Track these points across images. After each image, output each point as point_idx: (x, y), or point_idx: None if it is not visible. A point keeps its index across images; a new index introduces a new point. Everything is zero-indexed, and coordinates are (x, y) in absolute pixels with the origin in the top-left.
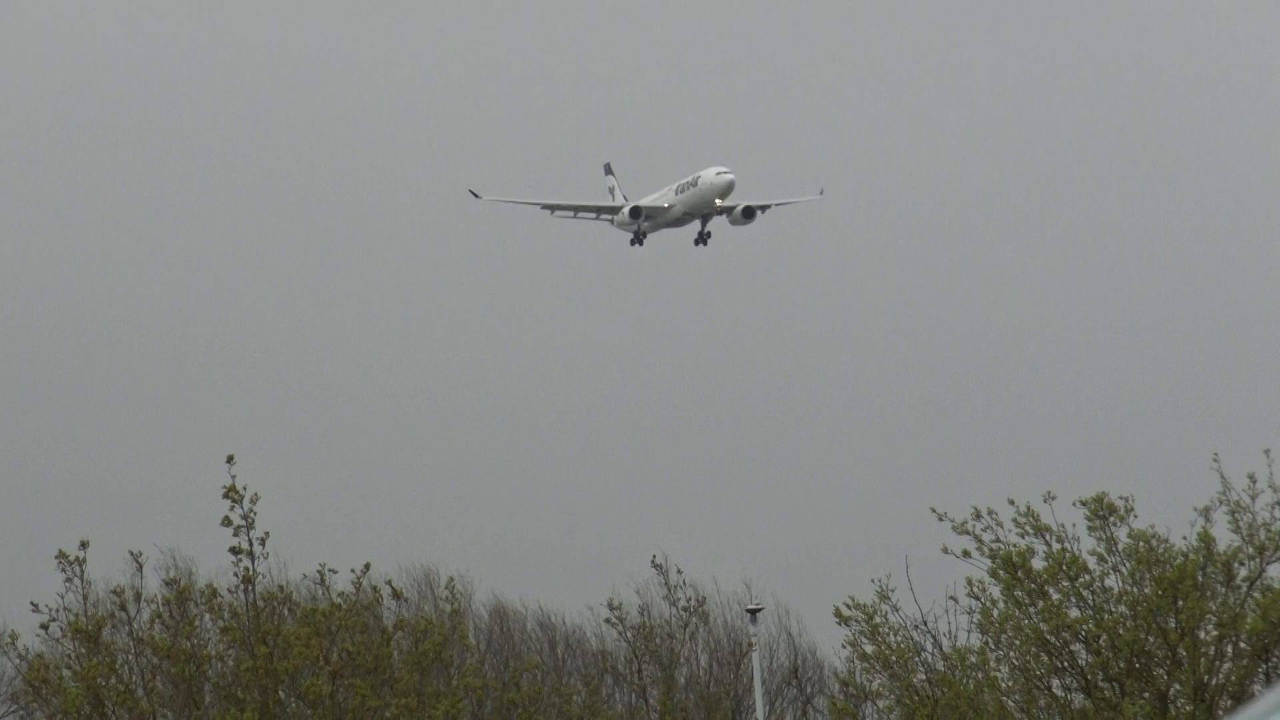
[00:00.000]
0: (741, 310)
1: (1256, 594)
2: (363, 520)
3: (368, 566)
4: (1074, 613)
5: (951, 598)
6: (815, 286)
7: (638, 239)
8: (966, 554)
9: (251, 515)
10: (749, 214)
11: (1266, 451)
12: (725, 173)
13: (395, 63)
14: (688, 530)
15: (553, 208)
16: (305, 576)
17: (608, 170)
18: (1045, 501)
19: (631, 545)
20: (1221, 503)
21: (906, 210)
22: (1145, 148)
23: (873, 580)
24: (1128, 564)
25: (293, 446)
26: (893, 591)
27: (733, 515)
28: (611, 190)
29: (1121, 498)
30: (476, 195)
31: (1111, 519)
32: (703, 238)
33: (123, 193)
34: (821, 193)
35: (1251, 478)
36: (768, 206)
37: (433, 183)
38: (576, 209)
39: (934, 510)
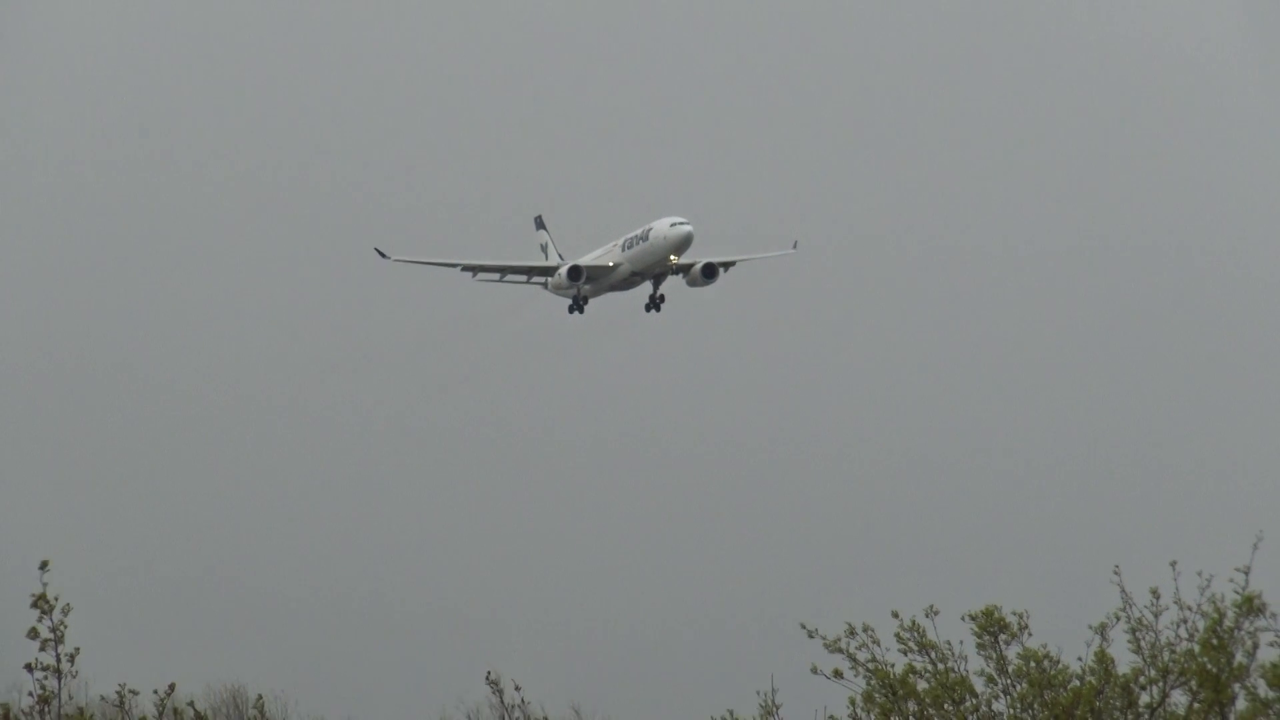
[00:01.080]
0: (666, 392)
1: None
2: (171, 635)
3: (172, 687)
4: None
5: (832, 717)
6: (754, 360)
7: (577, 305)
8: (839, 674)
9: (61, 628)
10: (710, 272)
11: (1173, 564)
12: (681, 224)
13: (294, 105)
14: (519, 644)
15: (474, 269)
16: (104, 699)
17: (539, 224)
18: (928, 616)
19: (464, 660)
20: (1122, 620)
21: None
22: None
23: (758, 692)
24: (1018, 686)
25: (99, 552)
26: (779, 708)
27: (562, 627)
28: (544, 248)
29: (1015, 613)
30: (383, 255)
31: (1002, 636)
32: (655, 302)
33: None
34: (795, 246)
35: (1155, 593)
36: (732, 263)
37: (329, 241)
38: (503, 270)
39: (804, 626)
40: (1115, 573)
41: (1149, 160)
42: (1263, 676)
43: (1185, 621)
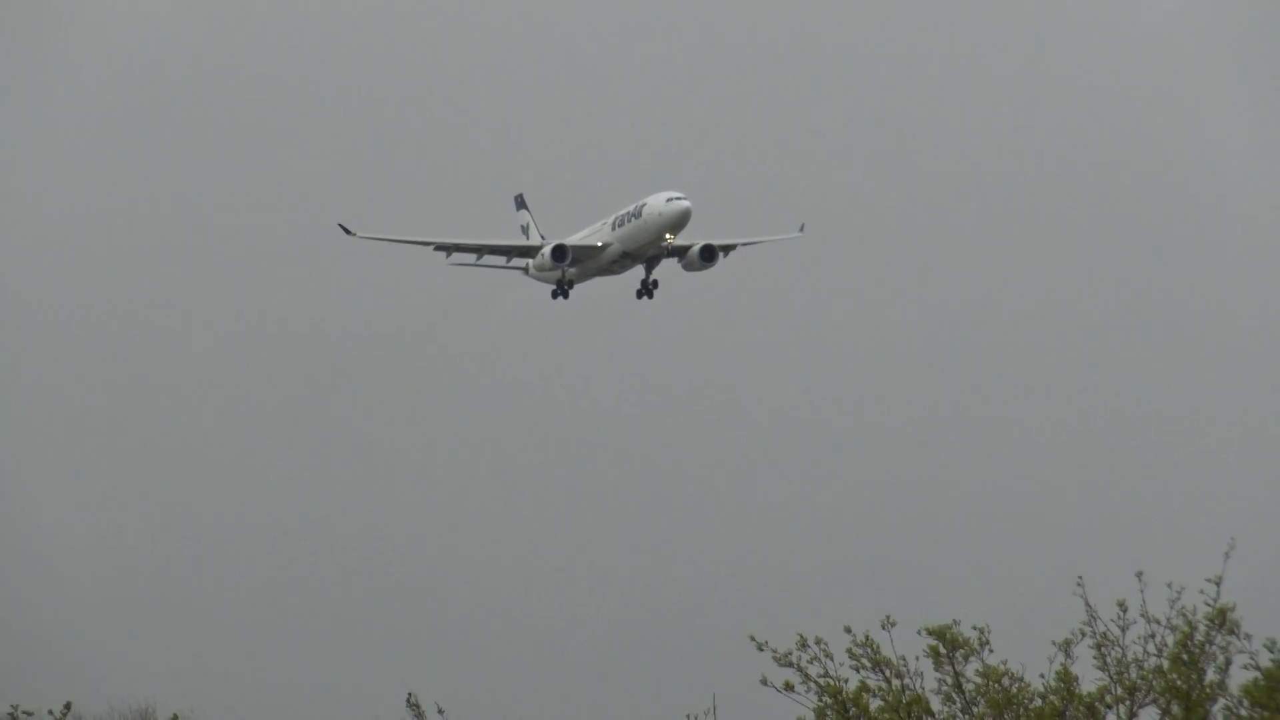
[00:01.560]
0: (651, 385)
1: None
2: (72, 650)
3: (69, 706)
4: None
5: None
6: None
7: (561, 289)
8: (789, 687)
9: None
10: (708, 255)
11: (1139, 575)
12: (678, 199)
13: (259, 77)
14: (446, 666)
15: (449, 248)
16: None
17: (520, 203)
18: (884, 628)
19: (379, 678)
20: (1086, 635)
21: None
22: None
23: (688, 716)
24: (977, 705)
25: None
26: None
27: (493, 644)
28: (525, 229)
29: (975, 628)
30: (348, 231)
31: (959, 653)
32: (647, 288)
33: None
34: (801, 229)
35: (1121, 605)
36: (732, 246)
37: (292, 216)
38: (481, 249)
39: (753, 638)
40: (1079, 584)
41: (1147, 157)
42: (1245, 694)
43: (1154, 636)
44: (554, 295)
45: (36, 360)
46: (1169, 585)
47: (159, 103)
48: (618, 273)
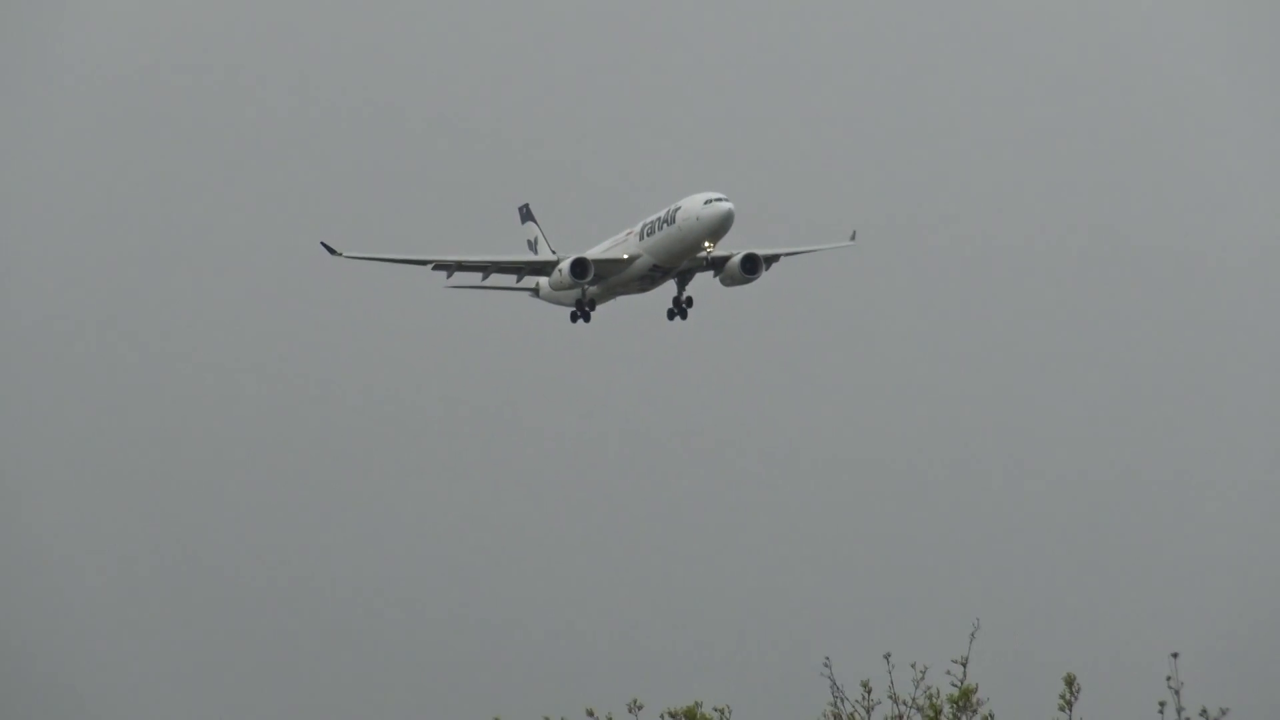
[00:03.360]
0: (685, 420)
1: None
2: (67, 664)
3: None
4: None
5: None
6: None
7: (581, 311)
8: None
9: None
10: (751, 266)
11: (887, 656)
12: (719, 200)
13: (239, 80)
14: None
15: (449, 267)
16: None
17: (526, 215)
18: (631, 712)
19: (385, 696)
20: (833, 716)
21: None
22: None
23: None
24: None
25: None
26: None
27: (500, 672)
28: (533, 243)
29: (717, 709)
30: (333, 251)
31: None
32: (680, 307)
33: None
34: (854, 237)
35: (866, 686)
36: (776, 257)
37: (271, 234)
38: (487, 267)
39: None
40: (826, 664)
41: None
42: None
43: (900, 716)
44: (573, 318)
45: (32, 368)
46: (913, 666)
47: (155, 108)
48: (646, 289)
